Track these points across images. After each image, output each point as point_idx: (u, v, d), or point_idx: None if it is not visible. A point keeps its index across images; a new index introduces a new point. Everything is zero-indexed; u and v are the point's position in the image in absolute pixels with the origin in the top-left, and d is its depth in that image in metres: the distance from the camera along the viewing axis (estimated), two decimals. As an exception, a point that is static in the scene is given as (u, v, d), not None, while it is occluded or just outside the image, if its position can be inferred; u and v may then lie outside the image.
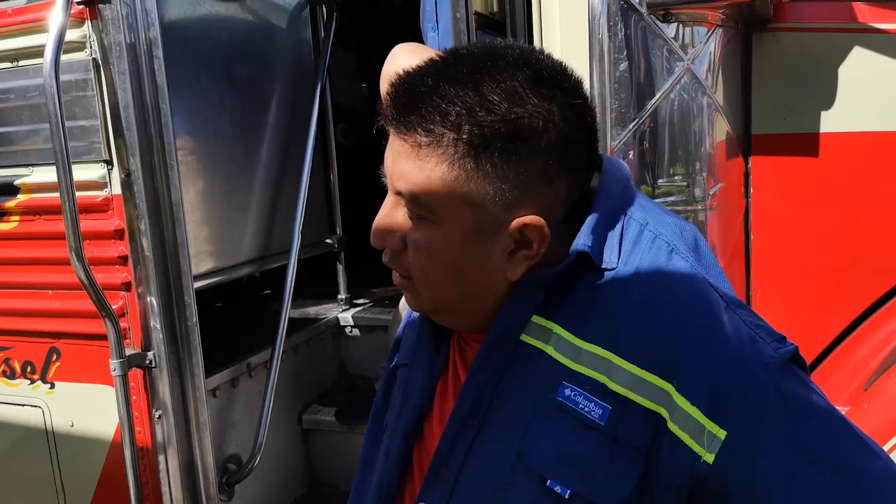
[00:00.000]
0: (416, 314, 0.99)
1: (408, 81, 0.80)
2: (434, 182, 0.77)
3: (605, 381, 0.76)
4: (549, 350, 0.80)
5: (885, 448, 1.33)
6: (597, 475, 0.75)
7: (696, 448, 0.72)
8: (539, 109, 0.76)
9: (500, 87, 0.76)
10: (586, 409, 0.76)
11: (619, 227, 0.82)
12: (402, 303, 2.24)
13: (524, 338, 0.81)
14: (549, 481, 0.76)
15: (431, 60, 0.81)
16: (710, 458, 0.71)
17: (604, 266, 0.80)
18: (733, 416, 0.72)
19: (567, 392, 0.77)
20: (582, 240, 0.80)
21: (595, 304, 0.79)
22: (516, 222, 0.78)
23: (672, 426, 0.73)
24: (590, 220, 0.81)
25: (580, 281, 0.80)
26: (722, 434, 0.71)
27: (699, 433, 0.72)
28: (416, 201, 0.79)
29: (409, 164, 0.79)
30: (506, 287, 0.82)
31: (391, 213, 0.83)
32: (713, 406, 0.72)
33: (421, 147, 0.78)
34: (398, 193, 0.81)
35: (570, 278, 0.81)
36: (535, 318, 0.81)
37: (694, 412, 0.72)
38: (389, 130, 0.82)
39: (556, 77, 0.79)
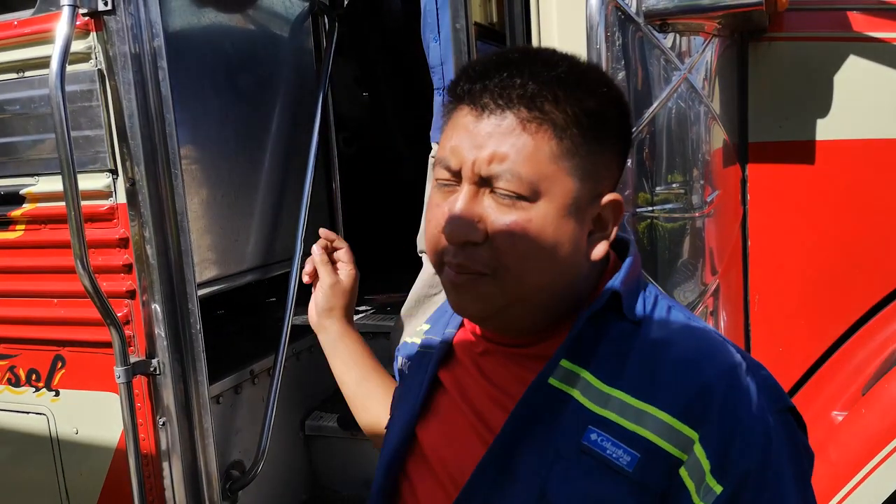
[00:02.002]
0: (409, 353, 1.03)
1: (500, 62, 0.81)
2: (540, 153, 0.78)
3: (634, 429, 0.77)
4: (576, 394, 0.81)
5: (883, 453, 1.35)
6: None
7: (695, 496, 0.75)
8: (611, 99, 0.84)
9: (586, 79, 0.82)
10: (614, 455, 0.77)
11: (641, 288, 0.87)
12: (405, 309, 2.25)
13: (552, 381, 0.82)
14: None
15: (516, 52, 0.88)
16: None
17: (632, 318, 0.83)
18: (733, 477, 0.75)
19: (593, 437, 0.78)
20: (618, 285, 0.84)
21: (625, 353, 0.82)
22: (606, 198, 0.83)
23: (683, 472, 0.76)
24: (623, 271, 0.86)
25: (608, 329, 0.83)
26: (719, 490, 0.75)
27: (700, 483, 0.75)
28: (519, 179, 0.78)
29: (509, 141, 0.78)
30: (584, 275, 0.85)
31: (472, 205, 0.80)
32: (720, 463, 0.75)
33: (525, 122, 0.78)
34: (482, 180, 0.80)
35: (598, 326, 0.83)
36: (564, 363, 0.83)
37: (705, 465, 0.75)
38: (467, 111, 0.81)
39: (612, 83, 0.87)
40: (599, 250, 0.84)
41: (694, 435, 0.76)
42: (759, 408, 0.78)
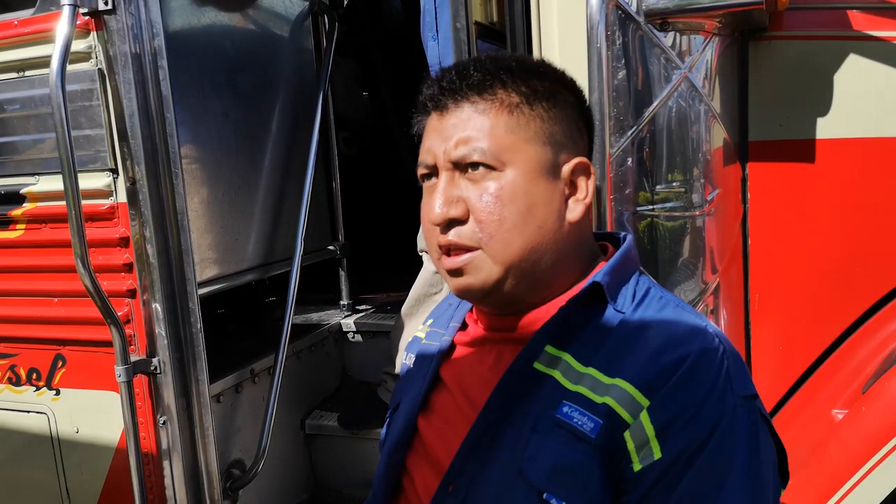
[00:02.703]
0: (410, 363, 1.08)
1: (455, 66, 0.93)
2: (498, 128, 0.88)
3: (601, 399, 0.83)
4: (557, 375, 0.87)
5: (883, 451, 1.35)
6: (589, 486, 0.81)
7: (634, 457, 0.80)
8: (559, 78, 0.95)
9: (530, 65, 0.94)
10: (580, 423, 0.83)
11: (632, 281, 0.94)
12: (405, 308, 2.25)
13: (536, 365, 0.89)
14: (545, 495, 0.82)
15: (467, 59, 0.99)
16: (637, 466, 0.80)
17: (618, 308, 0.90)
18: (673, 447, 0.79)
19: (565, 409, 0.84)
20: (600, 276, 0.90)
21: (605, 338, 0.88)
22: (568, 164, 0.91)
23: (626, 434, 0.81)
24: (610, 263, 0.93)
25: (593, 318, 0.90)
26: (658, 455, 0.79)
27: (642, 447, 0.80)
28: (483, 152, 0.88)
29: (470, 124, 0.89)
30: (566, 240, 0.91)
31: (450, 188, 0.90)
32: (663, 432, 0.80)
33: (480, 105, 0.89)
34: (455, 165, 0.89)
35: (583, 314, 0.90)
36: (549, 348, 0.89)
37: (649, 430, 0.80)
38: (434, 116, 0.93)
39: (560, 70, 0.99)
40: (576, 212, 0.92)
41: (645, 402, 0.81)
42: (721, 390, 0.81)
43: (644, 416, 0.80)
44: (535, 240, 0.88)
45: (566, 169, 0.91)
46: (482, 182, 0.88)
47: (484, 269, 0.89)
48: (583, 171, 0.93)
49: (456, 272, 0.90)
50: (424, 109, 0.94)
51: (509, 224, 0.87)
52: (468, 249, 0.89)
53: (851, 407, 1.48)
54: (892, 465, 1.33)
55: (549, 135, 0.90)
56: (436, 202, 0.89)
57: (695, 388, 0.81)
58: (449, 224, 0.89)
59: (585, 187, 0.93)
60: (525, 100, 0.90)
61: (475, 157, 0.87)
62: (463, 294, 0.94)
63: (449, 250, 0.90)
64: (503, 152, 0.88)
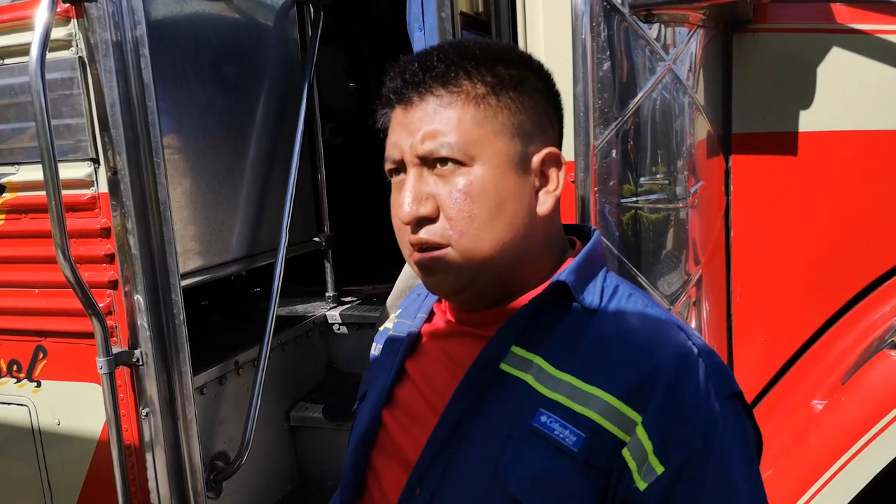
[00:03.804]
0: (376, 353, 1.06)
1: (417, 58, 0.90)
2: (464, 121, 0.86)
3: (581, 411, 0.81)
4: (529, 379, 0.85)
5: (862, 441, 1.37)
6: (570, 498, 0.80)
7: (636, 475, 0.79)
8: (526, 66, 0.92)
9: (495, 52, 0.90)
10: (561, 435, 0.81)
11: (600, 277, 0.92)
12: (390, 300, 2.25)
13: (504, 367, 0.87)
14: None
15: (429, 47, 0.92)
16: (642, 486, 0.78)
17: (587, 306, 0.88)
18: (674, 459, 0.78)
19: (543, 419, 0.82)
20: (565, 275, 0.88)
21: (577, 340, 0.86)
22: (538, 156, 0.89)
23: (625, 452, 0.79)
24: (576, 261, 0.91)
25: (562, 317, 0.88)
26: (660, 470, 0.78)
27: (642, 464, 0.79)
28: (451, 147, 0.85)
29: (436, 118, 0.86)
30: (536, 233, 0.89)
31: (419, 184, 0.87)
32: (662, 445, 0.79)
33: (445, 98, 0.86)
34: (422, 161, 0.87)
35: (551, 314, 0.88)
36: (516, 349, 0.87)
37: (647, 446, 0.79)
38: (398, 110, 0.89)
39: (527, 55, 0.96)
40: (546, 205, 0.90)
41: (637, 417, 0.79)
42: (705, 393, 0.81)
43: (641, 432, 0.79)
44: (505, 235, 0.86)
45: (536, 160, 0.89)
46: (451, 178, 0.85)
47: (455, 266, 0.87)
48: (553, 161, 0.90)
49: (427, 270, 0.89)
50: (389, 103, 0.91)
51: (479, 221, 0.85)
52: (439, 247, 0.87)
53: (831, 398, 1.50)
54: (871, 455, 1.35)
55: (518, 125, 0.88)
56: (405, 200, 0.86)
57: (682, 395, 0.80)
58: (419, 222, 0.87)
59: (556, 178, 0.90)
60: (491, 90, 0.87)
61: (443, 153, 0.85)
62: (435, 291, 0.93)
63: (420, 247, 0.88)
64: (471, 146, 0.85)
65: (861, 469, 1.35)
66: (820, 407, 1.51)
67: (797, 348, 1.61)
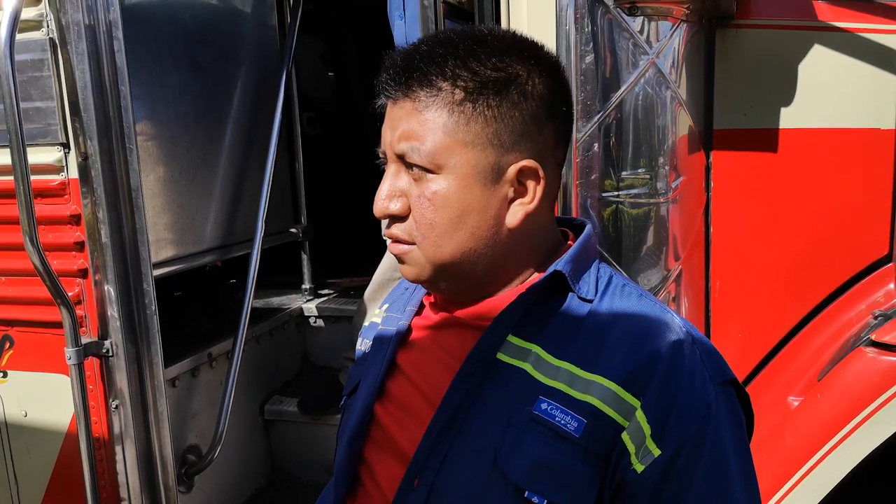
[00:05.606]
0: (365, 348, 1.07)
1: (404, 53, 0.88)
2: (436, 129, 0.84)
3: (582, 397, 0.82)
4: (528, 368, 0.86)
5: (837, 437, 1.38)
6: (571, 483, 0.81)
7: (634, 458, 0.80)
8: (521, 64, 0.86)
9: (487, 49, 0.86)
10: (563, 422, 0.82)
11: (594, 269, 0.93)
12: (368, 293, 2.23)
13: (501, 356, 0.87)
14: (526, 493, 0.81)
15: (422, 38, 0.91)
16: (639, 468, 0.80)
17: (583, 296, 0.89)
18: (671, 442, 0.80)
19: (544, 406, 0.83)
20: (561, 265, 0.89)
21: (574, 329, 0.87)
22: (514, 167, 0.86)
23: (624, 436, 0.81)
24: (571, 252, 0.91)
25: (559, 307, 0.89)
26: (657, 453, 0.80)
27: (640, 447, 0.81)
28: (420, 152, 0.84)
29: (412, 120, 0.85)
30: (504, 243, 0.88)
31: (395, 181, 0.88)
32: (659, 429, 0.80)
33: (422, 101, 0.85)
34: (400, 158, 0.87)
35: (548, 304, 0.89)
36: (512, 339, 0.88)
37: (646, 429, 0.80)
38: (388, 103, 0.89)
39: (533, 48, 0.90)
40: (515, 217, 0.87)
41: (636, 402, 0.81)
42: (701, 379, 0.83)
43: (640, 416, 0.80)
44: (466, 245, 0.87)
45: (512, 171, 0.86)
46: (420, 182, 0.86)
47: (419, 264, 0.89)
48: (531, 174, 0.87)
49: (398, 259, 0.92)
50: (381, 92, 0.91)
51: (440, 229, 0.86)
52: (407, 243, 0.89)
53: (807, 394, 1.51)
54: (846, 451, 1.36)
55: (492, 135, 0.85)
56: (380, 195, 0.89)
57: (679, 382, 0.82)
58: (392, 217, 0.89)
59: (533, 192, 0.87)
60: (469, 96, 0.84)
61: (414, 159, 0.85)
62: (406, 278, 0.95)
63: (393, 239, 0.91)
64: (439, 155, 0.84)
65: (836, 465, 1.36)
66: (796, 403, 1.52)
67: (774, 344, 1.62)
